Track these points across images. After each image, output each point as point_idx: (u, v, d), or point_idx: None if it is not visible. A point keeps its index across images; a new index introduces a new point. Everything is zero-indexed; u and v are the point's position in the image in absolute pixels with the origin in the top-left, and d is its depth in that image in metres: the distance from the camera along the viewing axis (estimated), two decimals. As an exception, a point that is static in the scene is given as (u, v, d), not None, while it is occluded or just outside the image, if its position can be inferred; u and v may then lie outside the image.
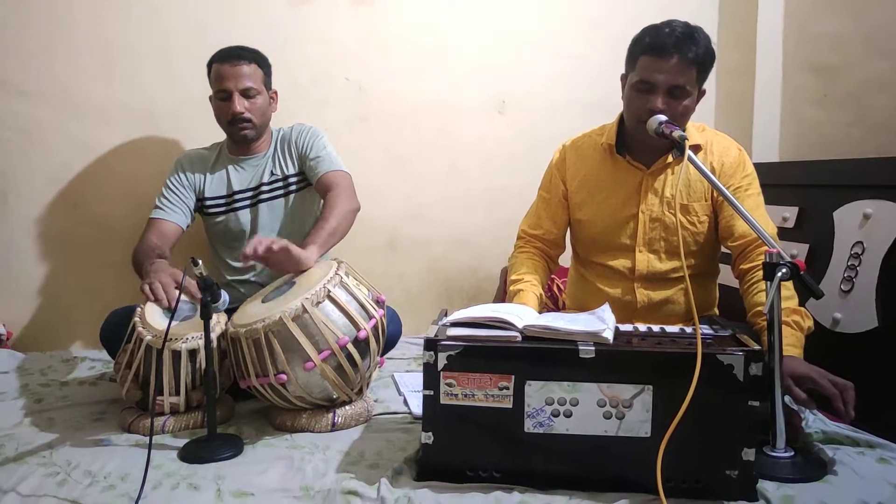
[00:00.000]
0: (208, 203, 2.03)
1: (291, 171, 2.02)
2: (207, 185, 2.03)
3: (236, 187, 2.02)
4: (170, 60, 2.29)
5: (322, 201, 1.94)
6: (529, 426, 1.25)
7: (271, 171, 2.02)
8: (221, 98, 1.93)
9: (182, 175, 2.01)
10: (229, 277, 2.06)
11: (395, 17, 2.44)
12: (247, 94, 1.93)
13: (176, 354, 1.54)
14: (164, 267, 1.67)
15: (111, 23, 2.25)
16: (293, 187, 2.03)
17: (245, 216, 2.03)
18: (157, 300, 1.56)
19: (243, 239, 2.04)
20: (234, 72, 1.91)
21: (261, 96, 1.96)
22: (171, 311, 1.47)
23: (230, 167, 2.03)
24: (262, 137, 2.03)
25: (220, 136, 2.12)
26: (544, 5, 2.53)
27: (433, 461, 1.28)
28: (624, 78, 1.67)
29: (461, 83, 2.50)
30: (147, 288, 1.58)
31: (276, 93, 2.04)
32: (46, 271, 2.30)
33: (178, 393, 1.55)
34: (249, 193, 2.03)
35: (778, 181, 2.10)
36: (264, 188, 2.02)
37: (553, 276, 1.92)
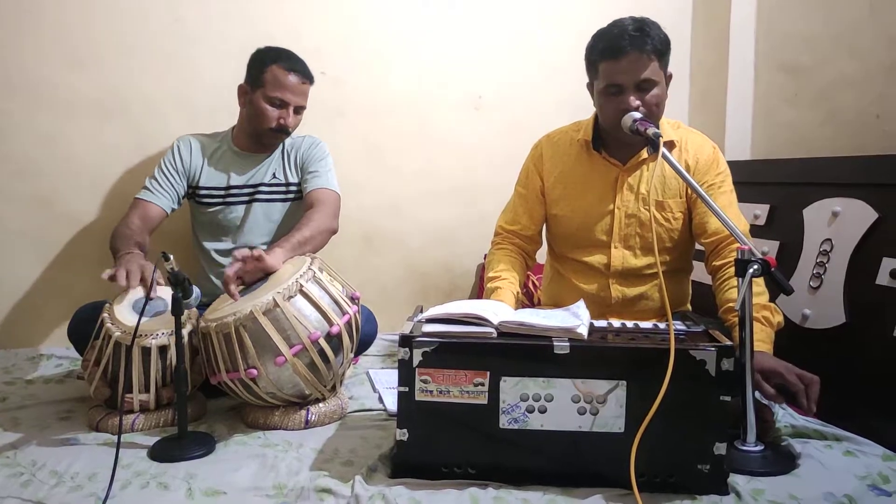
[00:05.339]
0: (202, 192, 2.00)
1: (294, 179, 2.02)
2: (204, 175, 2.00)
3: (234, 182, 2.00)
4: (142, 52, 2.24)
5: None
6: (504, 422, 1.25)
7: (273, 174, 2.01)
8: (275, 104, 1.91)
9: (178, 159, 1.98)
10: (208, 270, 2.03)
11: (371, 11, 2.42)
12: (298, 111, 1.96)
13: (146, 351, 1.51)
14: (137, 258, 1.65)
15: (80, 13, 2.19)
16: (292, 195, 2.02)
17: (238, 212, 2.01)
18: (120, 283, 1.53)
19: (231, 233, 2.02)
20: (300, 89, 1.94)
21: (302, 114, 1.99)
22: (140, 306, 1.45)
23: (232, 161, 2.01)
24: None
25: (197, 129, 2.08)
26: (521, 2, 2.53)
27: (408, 458, 1.28)
28: (590, 86, 1.69)
29: (438, 78, 2.49)
30: (108, 274, 1.54)
31: None
32: (13, 268, 2.23)
33: (147, 390, 1.53)
34: (247, 190, 2.00)
35: (749, 179, 2.13)
36: (263, 188, 2.00)
37: (528, 272, 1.93)
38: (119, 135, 2.25)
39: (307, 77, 1.95)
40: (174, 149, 2.00)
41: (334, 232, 1.89)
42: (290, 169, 2.02)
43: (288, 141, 2.04)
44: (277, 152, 2.03)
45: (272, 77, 1.90)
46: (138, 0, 2.23)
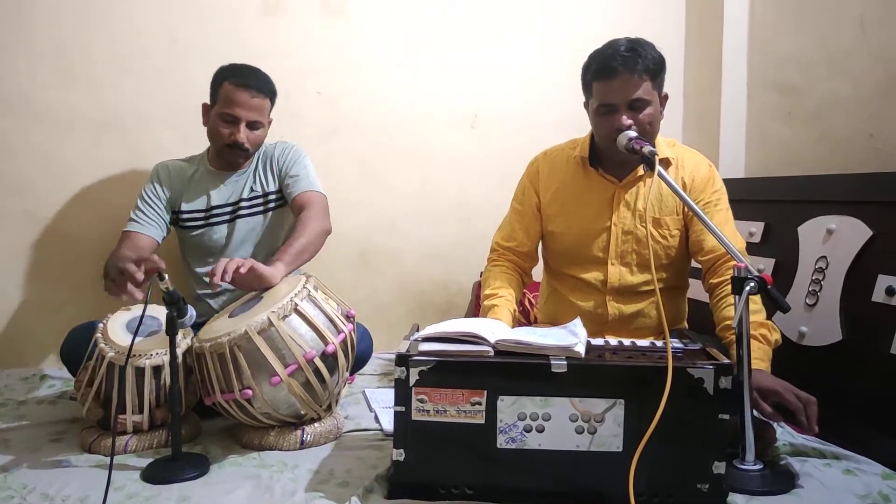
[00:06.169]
0: (185, 216, 2.00)
1: (272, 188, 2.00)
2: (185, 199, 1.99)
3: (215, 202, 1.99)
4: (138, 70, 2.25)
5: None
6: (502, 442, 1.24)
7: (251, 188, 2.00)
8: (227, 120, 1.89)
9: (158, 187, 1.98)
10: (200, 291, 2.02)
11: (367, 30, 2.44)
12: (253, 126, 1.91)
13: (139, 371, 1.50)
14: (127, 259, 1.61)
15: (74, 30, 2.20)
16: (272, 204, 2.01)
17: (221, 231, 2.00)
18: (124, 293, 1.51)
19: (218, 254, 2.00)
20: (250, 103, 1.88)
21: (263, 128, 1.95)
22: (134, 326, 1.44)
23: (210, 181, 2.00)
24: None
25: (191, 147, 2.09)
26: (516, 22, 2.56)
27: (405, 478, 1.27)
28: (586, 105, 1.71)
29: (434, 96, 2.51)
30: (112, 284, 1.53)
31: (271, 120, 2.00)
32: (5, 286, 2.23)
33: (141, 411, 1.51)
34: (228, 209, 2.00)
35: (744, 197, 2.13)
36: (244, 204, 1.99)
37: (524, 289, 1.93)
38: (113, 151, 2.26)
39: (261, 92, 1.90)
40: (153, 177, 1.99)
41: (329, 232, 1.89)
42: (265, 178, 2.00)
43: (261, 151, 2.02)
44: (252, 165, 2.02)
45: (224, 93, 1.89)
46: (133, 18, 2.24)
